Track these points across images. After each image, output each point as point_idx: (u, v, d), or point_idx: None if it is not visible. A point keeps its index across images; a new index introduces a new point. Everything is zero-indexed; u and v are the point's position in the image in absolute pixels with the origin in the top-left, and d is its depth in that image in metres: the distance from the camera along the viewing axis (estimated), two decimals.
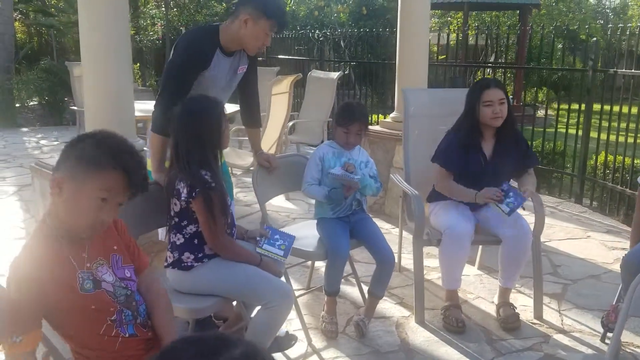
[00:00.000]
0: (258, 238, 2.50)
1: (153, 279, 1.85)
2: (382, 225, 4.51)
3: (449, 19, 17.57)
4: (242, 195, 5.36)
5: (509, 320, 2.98)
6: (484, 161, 3.05)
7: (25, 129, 9.35)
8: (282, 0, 2.90)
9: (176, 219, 2.29)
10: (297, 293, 2.96)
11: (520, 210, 3.02)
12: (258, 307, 2.36)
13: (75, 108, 7.48)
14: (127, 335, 1.65)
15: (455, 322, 2.92)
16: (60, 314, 1.58)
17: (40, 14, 12.12)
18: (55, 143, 8.08)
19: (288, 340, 2.68)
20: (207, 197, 2.19)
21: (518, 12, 14.24)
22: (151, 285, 1.82)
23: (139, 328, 1.69)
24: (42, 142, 8.25)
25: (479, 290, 3.46)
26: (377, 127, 5.10)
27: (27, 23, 13.09)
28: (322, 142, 3.47)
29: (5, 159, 6.89)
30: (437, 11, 16.26)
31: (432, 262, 3.74)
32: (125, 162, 1.55)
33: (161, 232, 2.79)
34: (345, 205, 2.91)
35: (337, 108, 3.01)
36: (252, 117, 3.02)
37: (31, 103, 10.68)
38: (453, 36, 7.90)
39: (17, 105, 10.25)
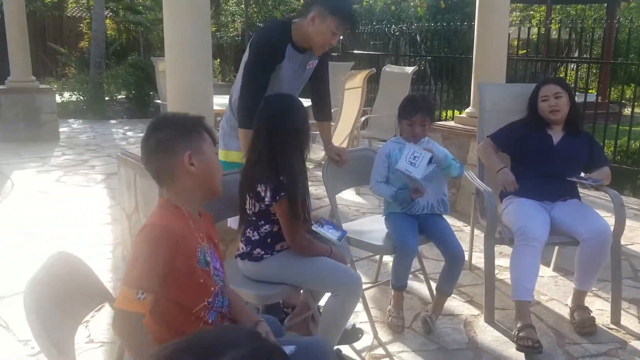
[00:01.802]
0: (314, 222, 2.53)
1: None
2: (454, 222, 4.46)
3: (532, 12, 16.93)
4: (313, 189, 5.44)
5: (585, 324, 2.87)
6: (550, 144, 3.14)
7: (113, 121, 9.89)
8: (351, 1, 2.91)
9: (253, 218, 2.32)
10: (364, 286, 2.98)
11: (600, 211, 2.96)
12: (325, 297, 2.41)
13: (159, 101, 7.85)
14: (209, 321, 1.73)
15: (531, 342, 2.60)
16: (172, 283, 1.64)
17: (129, 12, 12.75)
18: (141, 135, 8.46)
19: (355, 334, 2.71)
20: (292, 200, 2.21)
21: (605, 4, 13.52)
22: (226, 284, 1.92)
23: (219, 318, 1.77)
24: (129, 133, 8.72)
25: (553, 292, 3.35)
26: (451, 123, 5.03)
27: (116, 20, 13.80)
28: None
29: (95, 149, 7.34)
30: (519, 4, 15.71)
31: (504, 261, 3.66)
32: (199, 121, 1.78)
33: (230, 220, 2.88)
34: (415, 205, 2.90)
35: (401, 102, 2.98)
36: (323, 111, 3.07)
37: (119, 96, 11.28)
38: (535, 30, 7.62)
39: (107, 98, 10.86)
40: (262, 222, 2.31)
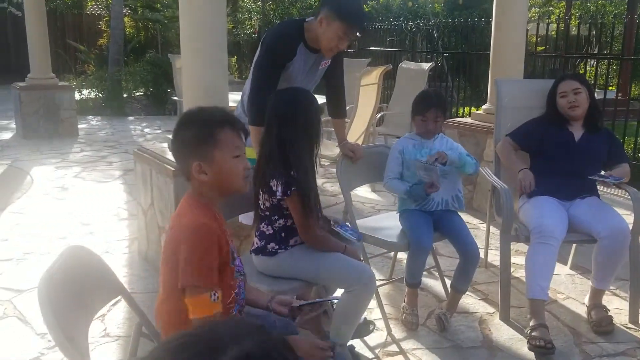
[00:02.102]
0: (332, 222, 2.54)
1: None
2: (470, 220, 4.43)
3: (551, 8, 16.72)
4: (329, 186, 5.44)
5: (602, 323, 2.83)
6: (571, 141, 3.10)
7: (131, 118, 9.98)
8: (360, 5, 2.88)
9: (267, 213, 2.33)
10: (378, 283, 2.97)
11: (619, 209, 2.93)
12: (337, 293, 2.40)
13: (176, 99, 7.89)
14: (234, 314, 1.75)
15: (543, 343, 2.57)
16: None
17: (147, 9, 12.85)
18: (158, 131, 8.57)
19: (366, 326, 2.70)
20: (304, 194, 2.21)
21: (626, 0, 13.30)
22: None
23: (238, 312, 1.80)
24: (146, 130, 8.78)
25: (570, 290, 3.31)
26: (468, 120, 5.00)
27: (135, 18, 13.90)
28: None
29: (112, 145, 7.41)
30: (538, 0, 15.52)
31: (520, 259, 3.62)
32: (224, 119, 1.71)
33: (242, 216, 2.89)
34: (429, 201, 2.88)
35: (414, 98, 2.95)
36: (338, 108, 3.06)
37: (137, 94, 11.37)
38: (554, 26, 7.52)
39: (125, 95, 10.96)
40: (276, 217, 2.32)
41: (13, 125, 8.22)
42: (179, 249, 1.58)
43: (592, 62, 9.16)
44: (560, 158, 3.06)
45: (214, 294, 1.56)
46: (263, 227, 2.36)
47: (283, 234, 2.34)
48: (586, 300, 3.04)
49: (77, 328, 1.49)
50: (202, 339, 0.70)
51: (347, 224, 2.61)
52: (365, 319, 2.71)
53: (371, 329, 2.71)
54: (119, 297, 1.83)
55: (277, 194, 2.23)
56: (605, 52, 7.32)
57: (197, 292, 1.55)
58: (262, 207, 2.33)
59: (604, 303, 2.94)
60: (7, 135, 7.97)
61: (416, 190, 2.81)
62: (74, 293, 1.54)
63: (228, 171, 1.70)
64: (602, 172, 3.06)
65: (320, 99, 5.43)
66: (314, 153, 2.33)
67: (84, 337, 1.53)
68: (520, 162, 3.17)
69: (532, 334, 2.64)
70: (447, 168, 2.83)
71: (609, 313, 2.89)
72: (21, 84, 7.68)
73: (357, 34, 2.73)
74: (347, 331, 2.34)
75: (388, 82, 7.75)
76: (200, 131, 1.68)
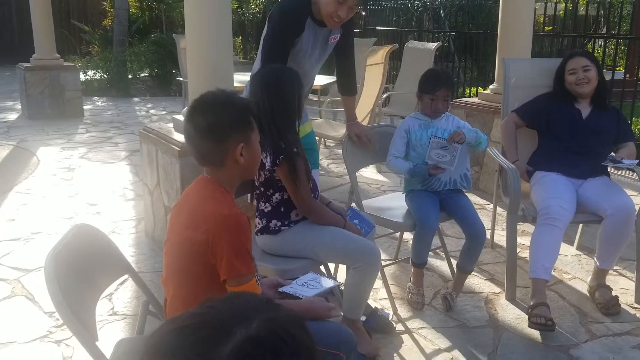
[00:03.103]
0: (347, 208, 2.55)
1: None
2: (477, 200, 4.42)
3: None
4: (334, 167, 5.43)
5: (609, 304, 2.82)
6: (579, 118, 3.08)
7: (136, 99, 9.95)
8: None
9: (262, 189, 2.35)
10: (384, 263, 2.97)
11: (626, 189, 2.93)
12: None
13: (181, 79, 7.86)
14: None
15: (544, 320, 2.56)
16: None
17: None
18: (163, 112, 8.55)
19: (390, 325, 2.69)
20: (291, 163, 2.24)
21: None
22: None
23: None
24: (152, 111, 8.76)
25: (577, 270, 3.31)
26: (475, 100, 4.96)
27: None
28: None
29: (118, 126, 7.41)
30: None
31: (526, 239, 3.61)
32: (252, 105, 1.77)
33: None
34: (436, 181, 2.87)
35: (421, 76, 2.91)
36: (348, 85, 3.04)
37: (142, 74, 11.32)
38: (562, 6, 7.42)
39: (130, 76, 10.91)
40: (271, 192, 2.34)
41: (18, 106, 8.22)
42: (218, 241, 1.55)
43: (599, 42, 9.05)
44: (568, 135, 3.04)
45: (257, 277, 1.62)
46: (261, 205, 2.39)
47: (282, 209, 2.35)
48: (589, 280, 3.04)
49: (85, 306, 1.50)
50: (209, 321, 0.67)
51: (356, 220, 2.56)
52: (389, 318, 2.70)
53: (395, 327, 2.71)
54: (126, 276, 1.84)
55: (267, 165, 2.26)
56: (613, 32, 7.20)
57: (246, 279, 1.58)
58: (256, 183, 2.36)
59: (610, 283, 2.94)
60: (13, 116, 7.97)
61: (419, 169, 2.80)
62: (81, 271, 1.55)
63: (257, 157, 1.77)
64: (612, 154, 3.03)
65: (327, 79, 5.38)
66: (294, 122, 2.33)
67: (91, 314, 1.54)
68: (514, 151, 3.18)
69: (533, 312, 2.64)
70: (462, 147, 2.81)
71: (614, 293, 2.89)
72: (26, 64, 7.66)
73: (360, 7, 2.69)
74: (358, 308, 2.36)
75: (394, 63, 7.69)
76: (242, 114, 1.70)
